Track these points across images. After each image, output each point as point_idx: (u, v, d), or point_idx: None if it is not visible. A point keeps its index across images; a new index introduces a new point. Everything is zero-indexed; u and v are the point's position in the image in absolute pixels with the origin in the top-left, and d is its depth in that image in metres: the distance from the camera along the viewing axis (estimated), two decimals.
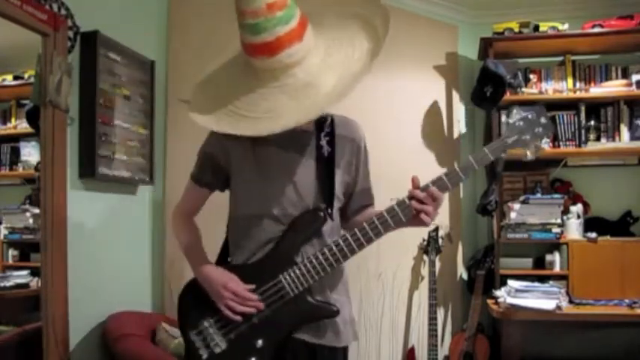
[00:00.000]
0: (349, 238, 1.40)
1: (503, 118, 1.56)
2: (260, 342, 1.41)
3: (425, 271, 3.23)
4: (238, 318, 1.40)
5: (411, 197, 1.40)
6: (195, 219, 1.62)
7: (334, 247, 1.40)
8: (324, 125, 1.52)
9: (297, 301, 1.41)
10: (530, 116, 1.46)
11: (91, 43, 2.32)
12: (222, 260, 1.56)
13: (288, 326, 1.43)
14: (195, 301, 1.47)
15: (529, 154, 1.46)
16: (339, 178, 1.50)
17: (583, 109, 3.19)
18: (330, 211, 1.46)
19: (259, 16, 1.25)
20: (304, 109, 1.30)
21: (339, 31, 1.42)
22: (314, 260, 1.40)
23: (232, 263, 1.51)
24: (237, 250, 1.51)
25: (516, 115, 1.46)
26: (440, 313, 3.28)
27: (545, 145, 3.21)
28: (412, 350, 3.24)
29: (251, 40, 1.29)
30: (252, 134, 1.33)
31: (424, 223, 1.41)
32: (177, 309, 1.52)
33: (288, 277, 1.41)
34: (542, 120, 1.46)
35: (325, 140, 1.49)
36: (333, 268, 1.42)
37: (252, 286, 1.41)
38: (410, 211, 1.40)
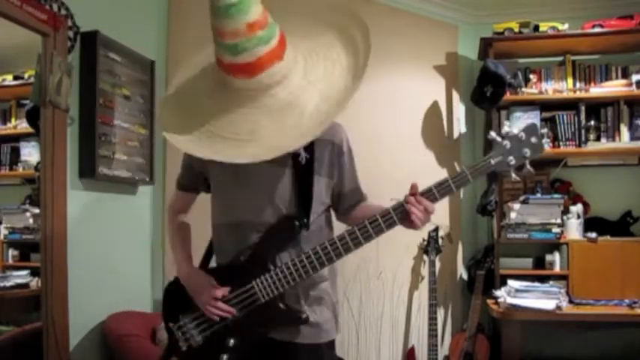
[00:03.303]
0: (328, 247, 1.40)
1: (505, 127, 1.45)
2: (232, 341, 1.46)
3: (425, 271, 3.23)
4: (214, 318, 1.45)
5: (403, 204, 1.40)
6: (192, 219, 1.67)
7: (309, 256, 1.40)
8: None
9: (267, 306, 1.44)
10: (520, 135, 1.37)
11: (91, 43, 2.32)
12: (206, 263, 1.63)
13: (259, 329, 1.47)
14: (178, 297, 1.53)
15: (513, 176, 1.39)
16: (322, 184, 1.50)
17: (583, 109, 3.19)
18: (306, 220, 1.46)
19: (239, 36, 1.21)
20: (288, 131, 1.26)
21: (313, 41, 1.40)
22: (286, 269, 1.42)
23: (212, 266, 1.57)
24: (219, 255, 1.56)
25: (506, 131, 1.36)
26: (440, 313, 3.28)
27: (546, 145, 3.22)
28: (412, 350, 3.24)
29: (230, 60, 1.25)
30: (238, 161, 1.27)
31: (414, 226, 1.40)
32: (162, 301, 1.59)
33: (260, 284, 1.43)
34: (533, 140, 1.37)
35: (302, 147, 1.46)
36: (304, 278, 1.42)
37: (228, 289, 1.45)
38: (396, 221, 1.40)
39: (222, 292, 1.44)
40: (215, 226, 1.56)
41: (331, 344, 1.59)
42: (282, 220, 1.46)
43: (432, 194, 1.40)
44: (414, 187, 1.42)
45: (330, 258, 1.41)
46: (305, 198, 1.47)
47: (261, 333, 1.47)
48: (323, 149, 1.50)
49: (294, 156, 1.47)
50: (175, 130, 1.38)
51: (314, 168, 1.48)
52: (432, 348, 3.04)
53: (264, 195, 1.46)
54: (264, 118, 1.28)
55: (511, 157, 1.37)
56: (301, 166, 1.47)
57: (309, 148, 1.47)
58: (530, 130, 1.38)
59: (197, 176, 1.58)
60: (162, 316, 1.59)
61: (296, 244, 1.47)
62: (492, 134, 1.38)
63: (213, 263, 1.62)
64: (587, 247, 3.06)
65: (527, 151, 1.37)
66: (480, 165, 1.39)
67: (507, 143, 1.37)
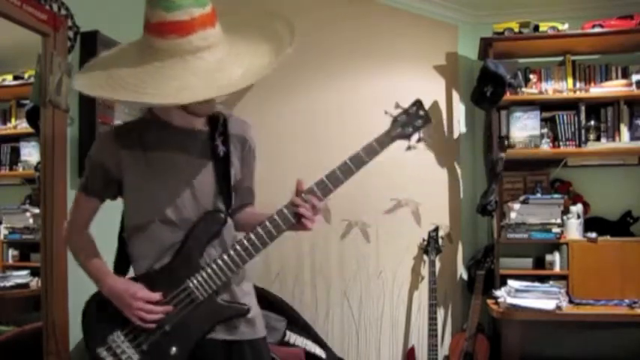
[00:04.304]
0: (253, 237, 1.42)
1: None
2: (174, 349, 1.40)
3: (425, 271, 3.23)
4: (151, 326, 1.38)
5: (292, 204, 1.43)
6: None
7: (239, 248, 1.42)
8: (218, 124, 1.51)
9: (206, 304, 1.41)
10: (410, 110, 1.59)
11: (91, 43, 2.32)
12: (120, 272, 1.52)
13: (201, 330, 1.42)
14: (101, 316, 1.44)
15: (412, 143, 1.60)
16: (233, 177, 1.50)
17: (583, 109, 3.19)
18: (229, 211, 1.47)
19: None
20: (216, 87, 1.27)
21: (245, 33, 1.42)
22: (220, 262, 1.41)
23: (136, 273, 1.48)
24: (138, 259, 1.47)
25: (399, 109, 1.58)
26: (440, 313, 3.28)
27: (546, 145, 3.23)
28: (412, 350, 3.24)
29: (163, 17, 1.26)
30: (160, 102, 1.29)
31: (305, 228, 1.44)
32: (82, 326, 1.47)
33: (195, 281, 1.40)
34: (421, 112, 1.59)
35: (220, 140, 1.48)
36: (240, 268, 1.43)
37: (160, 294, 1.39)
38: (294, 216, 1.43)
39: (156, 296, 1.38)
40: (131, 229, 1.48)
41: (265, 340, 1.56)
42: (208, 214, 1.43)
43: (325, 185, 1.45)
44: (299, 184, 1.45)
45: (257, 248, 1.42)
46: (225, 189, 1.47)
47: (203, 334, 1.42)
48: (236, 143, 1.52)
49: (213, 147, 1.47)
50: (98, 86, 1.32)
51: (230, 161, 1.49)
52: (432, 348, 3.05)
53: (185, 189, 1.43)
54: (193, 78, 1.27)
55: (408, 129, 1.58)
56: (219, 158, 1.47)
57: (225, 141, 1.49)
58: (417, 104, 1.60)
59: (107, 179, 1.47)
60: (85, 342, 1.45)
61: (220, 237, 1.46)
62: (388, 111, 1.59)
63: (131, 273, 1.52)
64: (587, 247, 3.06)
65: (419, 122, 1.59)
66: (382, 138, 1.53)
67: (404, 117, 1.58)
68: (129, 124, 1.54)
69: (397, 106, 1.59)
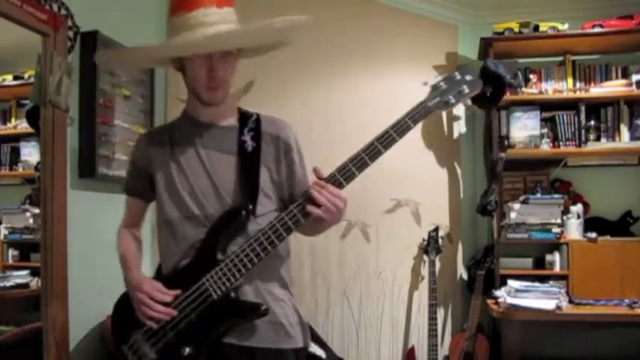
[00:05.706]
0: (269, 231, 1.36)
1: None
2: (187, 349, 1.36)
3: (425, 271, 3.23)
4: (152, 323, 1.37)
5: (306, 193, 1.36)
6: None
7: (254, 243, 1.36)
8: (249, 121, 1.50)
9: (221, 302, 1.36)
10: (453, 76, 1.44)
11: (91, 43, 2.32)
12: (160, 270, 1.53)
13: (216, 330, 1.37)
14: (126, 314, 1.44)
15: (455, 112, 1.44)
16: (266, 176, 1.46)
17: (583, 109, 3.19)
18: (252, 207, 1.40)
19: None
20: (200, 37, 1.35)
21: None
22: (235, 257, 1.35)
23: (163, 272, 1.48)
24: (166, 256, 1.48)
25: (439, 77, 1.41)
26: (440, 313, 3.28)
27: (546, 145, 3.23)
28: (412, 350, 3.24)
29: None
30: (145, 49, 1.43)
31: (321, 218, 1.35)
32: (111, 322, 1.52)
33: (210, 279, 1.36)
34: (468, 77, 1.43)
35: (249, 136, 1.46)
36: (255, 263, 1.36)
37: (177, 292, 1.37)
38: (305, 212, 1.35)
39: (163, 295, 1.36)
40: (160, 225, 1.49)
41: (300, 353, 1.47)
42: (227, 212, 1.39)
43: (348, 169, 1.36)
44: (316, 171, 1.37)
45: (279, 235, 1.35)
46: (250, 185, 1.42)
47: (217, 335, 1.37)
48: (269, 142, 1.48)
49: (240, 143, 1.45)
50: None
51: (260, 157, 1.45)
52: (432, 348, 3.04)
53: (209, 184, 1.42)
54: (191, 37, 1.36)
55: (450, 97, 1.43)
56: (247, 154, 1.44)
57: (256, 137, 1.46)
58: (463, 69, 1.46)
59: (144, 178, 1.53)
60: (112, 340, 1.48)
61: (245, 236, 1.39)
62: (427, 81, 1.45)
63: None
64: (587, 247, 3.06)
65: (465, 88, 1.43)
66: (417, 110, 1.42)
67: (442, 85, 1.44)
68: (162, 126, 1.62)
69: (437, 75, 1.44)
